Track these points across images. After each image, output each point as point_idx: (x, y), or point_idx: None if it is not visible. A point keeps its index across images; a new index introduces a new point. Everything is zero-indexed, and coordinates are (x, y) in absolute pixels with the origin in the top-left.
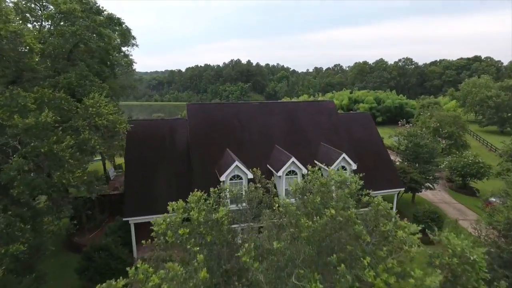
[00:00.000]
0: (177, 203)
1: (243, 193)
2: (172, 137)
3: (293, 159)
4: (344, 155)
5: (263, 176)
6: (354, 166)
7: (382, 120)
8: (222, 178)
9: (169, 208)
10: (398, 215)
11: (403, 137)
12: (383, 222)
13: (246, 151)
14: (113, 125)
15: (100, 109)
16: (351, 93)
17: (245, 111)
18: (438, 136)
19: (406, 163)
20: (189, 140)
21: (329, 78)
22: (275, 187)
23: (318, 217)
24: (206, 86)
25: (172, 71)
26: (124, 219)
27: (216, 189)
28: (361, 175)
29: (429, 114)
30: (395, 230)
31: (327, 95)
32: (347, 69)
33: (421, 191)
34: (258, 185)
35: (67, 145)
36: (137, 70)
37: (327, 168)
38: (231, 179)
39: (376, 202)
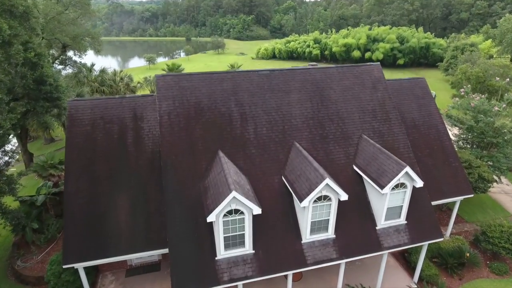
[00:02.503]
0: None
1: None
2: (137, 129)
3: (327, 180)
4: (407, 169)
5: None
6: (420, 184)
7: (404, 63)
8: (210, 218)
9: None
10: None
11: (465, 111)
12: None
13: (249, 155)
14: None
15: None
16: (369, 29)
17: (247, 87)
18: None
19: (461, 142)
20: (160, 138)
21: (342, 10)
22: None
23: None
24: (204, 19)
25: (166, 1)
26: (64, 266)
27: None
28: None
29: (468, 62)
30: None
31: (341, 32)
32: None
33: (488, 191)
34: None
35: None
36: (129, 0)
37: (379, 189)
38: (225, 215)
39: None
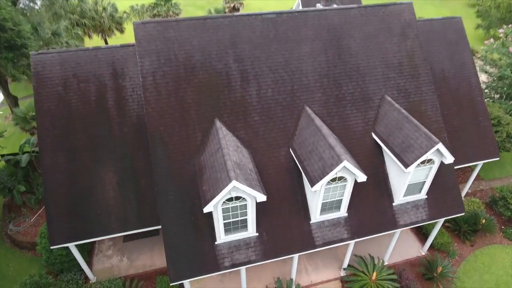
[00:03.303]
0: None
1: None
2: (118, 89)
3: (344, 163)
4: (439, 146)
5: None
6: (450, 160)
7: None
8: (207, 209)
9: None
10: None
11: (501, 56)
12: None
13: (252, 123)
14: None
15: None
16: None
17: (249, 36)
18: None
19: (487, 90)
20: (144, 105)
21: None
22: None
23: None
24: None
25: None
26: (52, 247)
27: None
28: None
29: None
30: None
31: None
32: None
33: None
34: None
35: None
36: None
37: (402, 166)
38: (225, 202)
39: None
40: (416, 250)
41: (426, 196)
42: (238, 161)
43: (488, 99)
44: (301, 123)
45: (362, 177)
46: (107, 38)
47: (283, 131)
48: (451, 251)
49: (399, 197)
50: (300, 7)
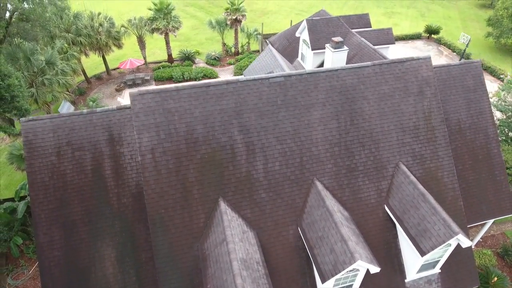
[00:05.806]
0: None
1: None
2: (115, 156)
3: (359, 263)
4: (458, 236)
5: None
6: (467, 244)
7: None
8: None
9: None
10: None
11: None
12: None
13: (258, 201)
14: None
15: None
16: None
17: (255, 103)
18: None
19: (503, 130)
20: (143, 185)
21: None
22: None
23: None
24: None
25: None
26: None
27: None
28: None
29: None
30: None
31: None
32: None
33: None
34: None
35: None
36: None
37: (417, 253)
38: None
39: None
40: None
41: (440, 271)
42: (245, 256)
43: (503, 137)
44: (310, 200)
45: (375, 270)
46: (104, 55)
47: (291, 208)
48: None
49: (412, 274)
50: (307, 33)
